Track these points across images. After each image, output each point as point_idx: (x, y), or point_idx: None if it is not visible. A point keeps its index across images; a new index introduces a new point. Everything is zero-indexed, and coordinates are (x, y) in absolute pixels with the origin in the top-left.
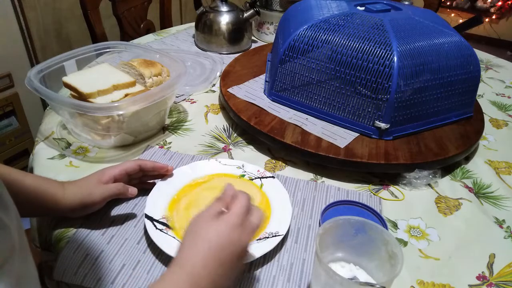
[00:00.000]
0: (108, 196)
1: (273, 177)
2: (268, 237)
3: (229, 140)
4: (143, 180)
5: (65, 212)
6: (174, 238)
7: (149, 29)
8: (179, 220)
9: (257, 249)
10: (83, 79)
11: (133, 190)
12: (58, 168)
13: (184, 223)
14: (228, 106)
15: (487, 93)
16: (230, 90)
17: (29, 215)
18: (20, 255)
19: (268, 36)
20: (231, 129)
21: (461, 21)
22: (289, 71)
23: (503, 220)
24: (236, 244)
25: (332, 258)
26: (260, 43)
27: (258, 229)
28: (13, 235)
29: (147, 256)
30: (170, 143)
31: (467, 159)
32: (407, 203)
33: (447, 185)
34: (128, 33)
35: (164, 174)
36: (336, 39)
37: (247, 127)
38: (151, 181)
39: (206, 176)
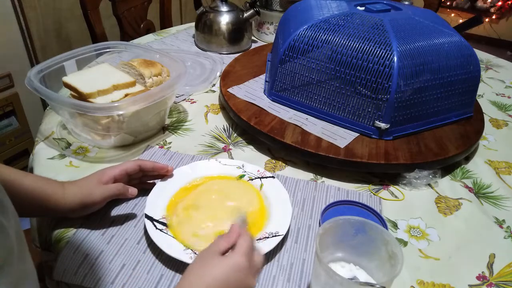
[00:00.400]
0: (108, 196)
1: (273, 177)
2: (268, 237)
3: (229, 140)
4: (143, 180)
5: (65, 212)
6: (174, 238)
7: (149, 29)
8: (179, 220)
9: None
10: (83, 79)
11: (133, 190)
12: (58, 168)
13: (184, 223)
14: (228, 106)
15: (487, 93)
16: (230, 90)
17: (29, 215)
18: (18, 256)
19: (268, 36)
20: (231, 129)
21: (461, 21)
22: (289, 71)
23: (503, 220)
24: (241, 283)
25: (332, 258)
26: (260, 43)
27: (261, 271)
28: (11, 236)
29: (147, 256)
30: (170, 143)
31: (467, 159)
32: (407, 203)
33: (447, 185)
34: (128, 33)
35: (164, 174)
36: (336, 39)
37: (247, 127)
38: (151, 181)
39: (204, 177)
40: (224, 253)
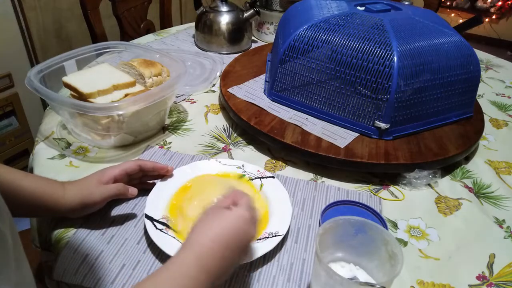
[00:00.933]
0: (108, 196)
1: (273, 177)
2: (268, 237)
3: (229, 140)
4: (143, 181)
5: (65, 212)
6: (174, 238)
7: (149, 29)
8: (179, 220)
9: (257, 249)
10: (83, 79)
11: (133, 190)
12: (58, 168)
13: (184, 223)
14: (228, 106)
15: (487, 93)
16: (230, 90)
17: (29, 215)
18: (15, 262)
19: (268, 36)
20: (231, 129)
21: (461, 21)
22: (289, 71)
23: (503, 220)
24: (245, 234)
25: (332, 258)
26: (260, 43)
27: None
28: (7, 241)
29: (147, 256)
30: (170, 143)
31: (467, 159)
32: (407, 203)
33: (447, 185)
34: (128, 33)
35: (164, 174)
36: (336, 39)
37: (247, 127)
38: (151, 181)
39: (201, 176)
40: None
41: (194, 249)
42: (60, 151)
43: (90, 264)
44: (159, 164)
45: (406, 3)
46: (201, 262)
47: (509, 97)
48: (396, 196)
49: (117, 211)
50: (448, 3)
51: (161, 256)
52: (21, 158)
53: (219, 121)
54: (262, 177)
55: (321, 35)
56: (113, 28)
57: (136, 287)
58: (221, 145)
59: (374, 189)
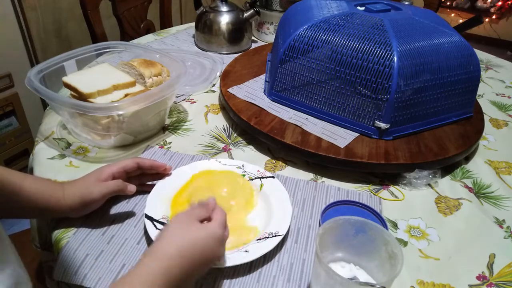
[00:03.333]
0: (108, 193)
1: (273, 177)
2: (268, 237)
3: (229, 140)
4: (142, 181)
5: (65, 212)
6: None
7: (149, 29)
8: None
9: (257, 249)
10: (83, 79)
11: (131, 187)
12: (58, 168)
13: None
14: (228, 106)
15: (487, 93)
16: (230, 90)
17: (30, 216)
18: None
19: (268, 36)
20: (231, 129)
21: (461, 21)
22: (289, 71)
23: (503, 220)
24: (213, 253)
25: (332, 258)
26: (260, 43)
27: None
28: None
29: None
30: (170, 143)
31: (467, 159)
32: (407, 203)
33: (447, 185)
34: (128, 33)
35: (162, 173)
36: (336, 39)
37: (247, 127)
38: (150, 182)
39: (203, 171)
40: (201, 221)
41: (162, 261)
42: (60, 151)
43: (90, 264)
44: (157, 162)
45: (406, 3)
46: (169, 276)
47: (509, 97)
48: (396, 196)
49: (117, 211)
50: (448, 3)
51: None
52: (21, 158)
53: (219, 121)
54: (262, 177)
55: (321, 35)
56: (113, 28)
57: None
58: (221, 145)
59: (374, 189)
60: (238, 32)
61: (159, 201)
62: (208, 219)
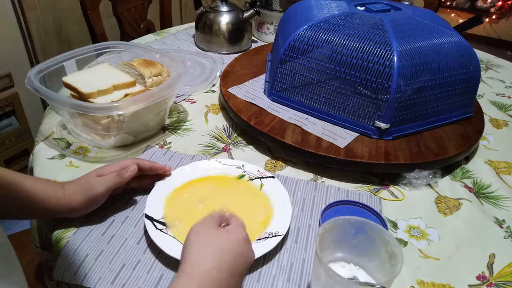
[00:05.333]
0: (112, 184)
1: (273, 177)
2: (268, 237)
3: (229, 140)
4: (142, 183)
5: (66, 212)
6: (174, 238)
7: (149, 29)
8: (179, 220)
9: (257, 249)
10: (83, 79)
11: (129, 170)
12: (58, 168)
13: (183, 223)
14: (228, 106)
15: (487, 93)
16: (230, 90)
17: (30, 217)
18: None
19: (268, 36)
20: (231, 129)
21: (461, 21)
22: (289, 71)
23: (503, 220)
24: (246, 258)
25: (332, 258)
26: (260, 43)
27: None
28: None
29: (147, 256)
30: (170, 143)
31: (467, 159)
32: (407, 203)
33: (447, 185)
34: (128, 33)
35: (162, 174)
36: (336, 39)
37: (247, 127)
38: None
39: (203, 176)
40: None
41: (198, 277)
42: (60, 151)
43: (90, 264)
44: (157, 164)
45: (406, 3)
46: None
47: (509, 97)
48: (396, 196)
49: (117, 211)
50: (448, 3)
51: (161, 256)
52: (21, 158)
53: (219, 121)
54: (262, 177)
55: (321, 35)
56: (113, 28)
57: None
58: (221, 145)
59: (374, 189)
60: (238, 32)
61: (159, 201)
62: (226, 223)
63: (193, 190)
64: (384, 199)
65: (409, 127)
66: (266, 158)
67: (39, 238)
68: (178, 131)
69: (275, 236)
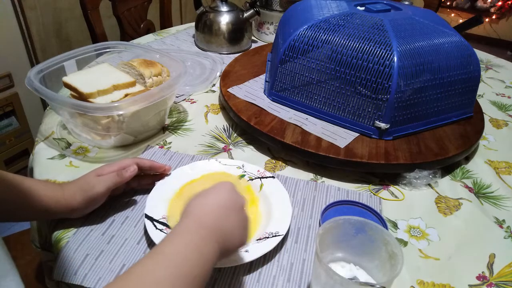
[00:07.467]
0: (112, 183)
1: (273, 177)
2: (268, 237)
3: (229, 140)
4: (141, 182)
5: (66, 212)
6: None
7: (149, 29)
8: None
9: (257, 249)
10: (83, 79)
11: (129, 170)
12: (58, 168)
13: None
14: (228, 106)
15: (487, 93)
16: (230, 90)
17: (31, 218)
18: None
19: (268, 36)
20: (231, 129)
21: (461, 21)
22: (289, 71)
23: (503, 220)
24: (237, 197)
25: (332, 258)
26: (260, 43)
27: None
28: None
29: None
30: (170, 143)
31: (467, 159)
32: (407, 203)
33: (447, 185)
34: (128, 33)
35: (161, 173)
36: (336, 39)
37: (247, 127)
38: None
39: (202, 175)
40: None
41: (196, 216)
42: (60, 151)
43: (90, 264)
44: (157, 163)
45: (406, 3)
46: (200, 220)
47: (509, 97)
48: (396, 196)
49: (117, 211)
50: (448, 3)
51: None
52: (21, 158)
53: (219, 121)
54: (262, 177)
55: (321, 35)
56: (113, 28)
57: (144, 259)
58: (221, 145)
59: (374, 189)
60: (238, 32)
61: (159, 201)
62: None
63: (193, 190)
64: (384, 199)
65: (409, 127)
66: (266, 158)
67: (39, 238)
68: (178, 131)
69: (275, 236)
